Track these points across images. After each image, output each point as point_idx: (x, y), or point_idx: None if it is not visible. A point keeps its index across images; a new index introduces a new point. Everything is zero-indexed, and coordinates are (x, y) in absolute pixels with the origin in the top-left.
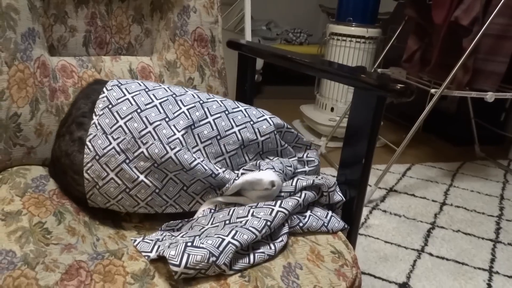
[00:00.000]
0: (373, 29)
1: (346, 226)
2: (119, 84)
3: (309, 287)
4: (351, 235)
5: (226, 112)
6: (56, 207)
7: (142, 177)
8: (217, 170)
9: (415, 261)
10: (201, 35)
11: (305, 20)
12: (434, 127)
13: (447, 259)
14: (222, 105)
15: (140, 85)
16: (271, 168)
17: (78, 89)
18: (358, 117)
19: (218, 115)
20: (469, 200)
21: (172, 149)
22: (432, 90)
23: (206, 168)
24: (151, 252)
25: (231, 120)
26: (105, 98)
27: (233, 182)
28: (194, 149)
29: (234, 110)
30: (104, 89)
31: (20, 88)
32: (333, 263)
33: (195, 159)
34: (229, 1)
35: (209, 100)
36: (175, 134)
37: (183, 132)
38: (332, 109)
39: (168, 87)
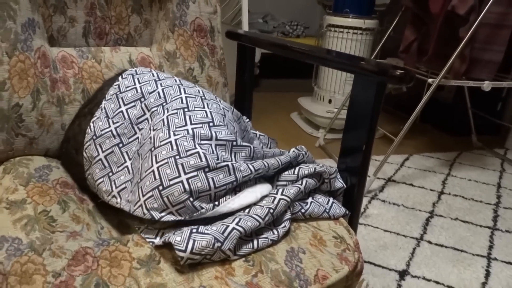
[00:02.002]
0: (370, 20)
1: (347, 212)
2: (134, 74)
3: (312, 270)
4: (352, 221)
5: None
6: (60, 196)
7: (128, 163)
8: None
9: (414, 249)
10: (200, 25)
11: (302, 13)
12: (431, 118)
13: (445, 247)
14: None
15: (154, 75)
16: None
17: (79, 79)
18: (358, 105)
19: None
20: (466, 189)
21: (153, 130)
22: (430, 80)
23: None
24: (155, 238)
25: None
26: (117, 86)
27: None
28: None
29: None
30: (120, 77)
31: (21, 78)
32: (335, 248)
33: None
34: None
35: (211, 99)
36: (163, 114)
37: (172, 112)
38: (330, 101)
39: (180, 80)
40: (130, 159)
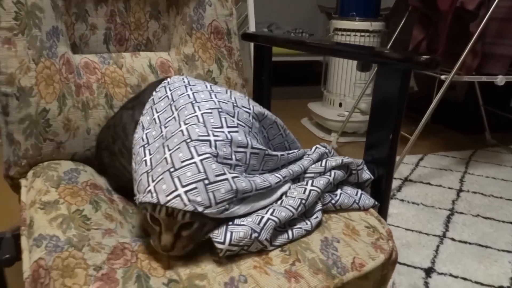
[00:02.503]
0: (376, 22)
1: (376, 203)
2: (166, 85)
3: (349, 258)
4: (381, 213)
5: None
6: (91, 196)
7: (148, 157)
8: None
9: (438, 246)
10: (217, 28)
11: (305, 21)
12: (442, 118)
13: (469, 243)
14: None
15: (184, 81)
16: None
17: (102, 84)
18: (383, 95)
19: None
20: (485, 186)
21: (185, 124)
22: (442, 77)
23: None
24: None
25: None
26: (152, 99)
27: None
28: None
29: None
30: (154, 92)
31: (47, 84)
32: (369, 237)
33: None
34: None
35: (243, 107)
36: (195, 112)
37: (206, 111)
38: (340, 104)
39: (211, 86)
40: (150, 154)
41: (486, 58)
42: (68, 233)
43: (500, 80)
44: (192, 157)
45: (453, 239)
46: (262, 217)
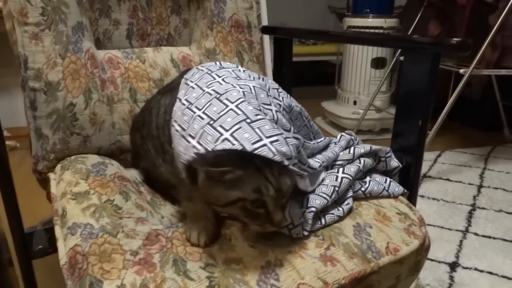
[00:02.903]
0: (390, 19)
1: (405, 191)
2: (198, 66)
3: (383, 243)
4: (410, 200)
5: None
6: (120, 187)
7: (199, 112)
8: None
9: (461, 241)
10: (238, 21)
11: (315, 21)
12: (458, 115)
13: (493, 238)
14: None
15: (217, 64)
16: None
17: (126, 79)
18: (411, 81)
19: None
20: (506, 182)
21: (239, 87)
22: (461, 71)
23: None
24: None
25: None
26: (184, 78)
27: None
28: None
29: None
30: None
31: (73, 78)
32: (401, 223)
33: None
34: None
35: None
36: (246, 83)
37: (256, 85)
38: (355, 102)
39: (244, 70)
40: (200, 110)
41: (506, 51)
42: (101, 221)
43: None
44: (263, 114)
45: (476, 234)
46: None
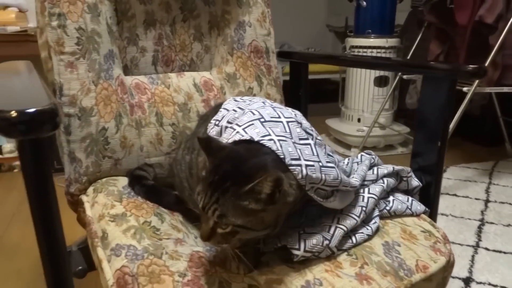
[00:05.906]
0: (392, 38)
1: (427, 209)
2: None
3: (412, 261)
4: (432, 218)
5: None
6: (153, 209)
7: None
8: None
9: (473, 256)
10: (257, 47)
11: (315, 40)
12: (460, 131)
13: (504, 252)
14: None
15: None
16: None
17: (152, 104)
18: (429, 104)
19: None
20: None
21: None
22: (465, 89)
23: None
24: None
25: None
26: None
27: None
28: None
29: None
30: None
31: (105, 104)
32: (427, 241)
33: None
34: None
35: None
36: (279, 118)
37: (289, 119)
38: (359, 120)
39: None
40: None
41: (507, 69)
42: (143, 242)
43: None
44: (306, 138)
45: (487, 249)
46: (330, 226)
